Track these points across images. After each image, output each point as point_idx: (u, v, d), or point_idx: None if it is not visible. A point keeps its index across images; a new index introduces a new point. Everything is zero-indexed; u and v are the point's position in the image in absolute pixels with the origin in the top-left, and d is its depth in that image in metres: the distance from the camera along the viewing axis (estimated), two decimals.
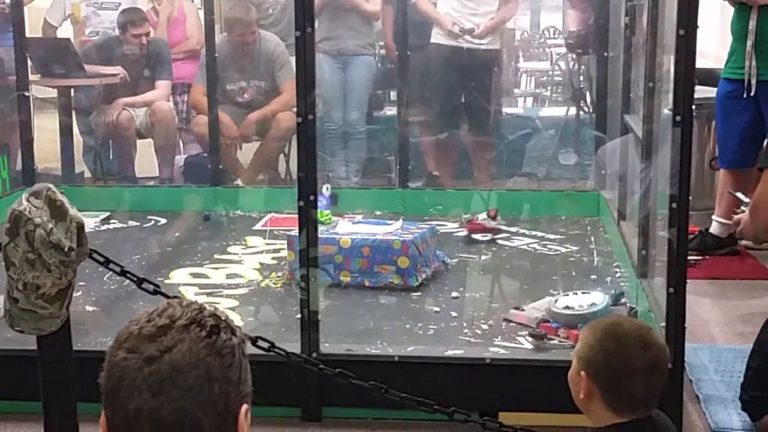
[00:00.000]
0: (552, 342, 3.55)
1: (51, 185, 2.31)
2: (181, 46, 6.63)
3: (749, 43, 4.74)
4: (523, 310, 3.84)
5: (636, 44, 4.65)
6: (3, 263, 2.28)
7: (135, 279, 2.55)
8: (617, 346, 2.11)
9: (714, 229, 5.11)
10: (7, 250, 2.25)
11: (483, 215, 5.27)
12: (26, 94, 5.78)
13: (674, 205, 3.12)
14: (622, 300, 3.88)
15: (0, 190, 5.70)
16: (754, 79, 4.75)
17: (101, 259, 2.48)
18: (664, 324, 3.19)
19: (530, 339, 3.58)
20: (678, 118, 3.06)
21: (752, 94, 4.77)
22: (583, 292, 3.83)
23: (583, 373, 2.12)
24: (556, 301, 3.71)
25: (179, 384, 1.25)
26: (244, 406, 1.31)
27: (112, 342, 1.31)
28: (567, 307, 3.63)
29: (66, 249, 2.24)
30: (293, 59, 3.31)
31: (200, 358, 1.27)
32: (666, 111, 3.53)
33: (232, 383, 1.29)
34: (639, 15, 4.52)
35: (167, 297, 2.59)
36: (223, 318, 1.34)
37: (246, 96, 6.27)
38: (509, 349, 3.53)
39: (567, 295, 3.80)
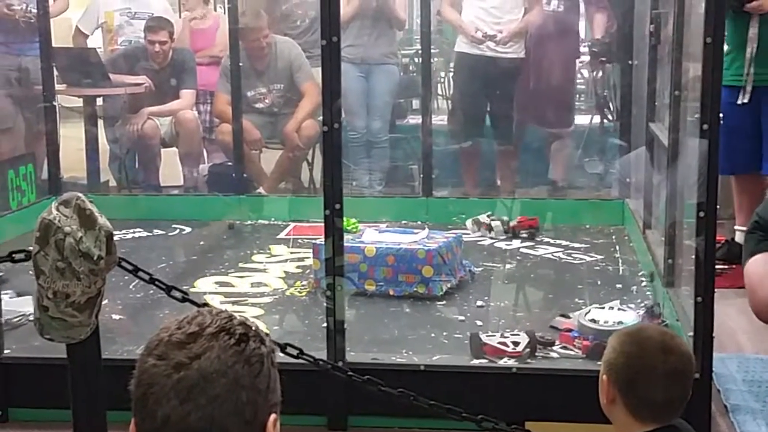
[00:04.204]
0: (556, 351, 3.54)
1: (80, 194, 2.33)
2: (204, 51, 6.66)
3: (749, 50, 4.76)
4: (568, 317, 3.82)
5: (661, 52, 4.63)
6: (33, 272, 2.30)
7: (164, 287, 2.56)
8: (637, 350, 2.12)
9: (739, 238, 5.08)
10: (37, 259, 2.27)
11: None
12: (53, 103, 5.83)
13: (701, 213, 3.11)
14: (657, 312, 3.85)
15: (27, 199, 5.74)
16: (749, 86, 4.78)
17: (130, 267, 2.49)
18: (691, 333, 3.17)
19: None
20: (705, 127, 3.06)
21: (746, 100, 4.79)
22: (618, 309, 3.80)
23: (604, 376, 2.14)
24: (587, 312, 3.69)
25: (207, 391, 1.25)
26: (273, 416, 1.31)
27: (142, 349, 1.31)
28: (593, 320, 3.61)
29: (95, 257, 2.25)
30: (318, 69, 3.32)
31: (229, 366, 1.27)
32: (692, 119, 3.52)
33: (260, 392, 1.29)
34: (664, 23, 4.51)
35: (196, 304, 2.60)
36: (252, 327, 1.34)
37: (267, 101, 6.30)
38: (536, 358, 3.52)
39: (602, 308, 3.78)
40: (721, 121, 3.53)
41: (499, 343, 3.47)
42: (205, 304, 2.62)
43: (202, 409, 1.25)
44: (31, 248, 2.31)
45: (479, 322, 3.95)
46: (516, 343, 3.46)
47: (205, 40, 6.73)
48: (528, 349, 3.44)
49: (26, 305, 3.71)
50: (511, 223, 5.35)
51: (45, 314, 2.29)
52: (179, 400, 1.25)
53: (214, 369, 1.26)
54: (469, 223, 5.40)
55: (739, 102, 4.80)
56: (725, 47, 4.85)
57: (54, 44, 6.01)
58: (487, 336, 3.53)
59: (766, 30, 4.76)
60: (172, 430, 1.25)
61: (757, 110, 4.84)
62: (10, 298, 3.99)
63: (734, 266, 4.98)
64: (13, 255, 2.50)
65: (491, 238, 5.28)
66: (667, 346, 2.12)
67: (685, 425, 2.15)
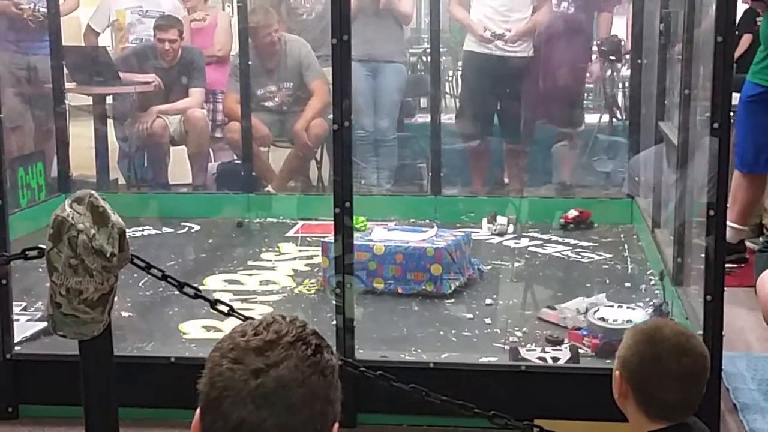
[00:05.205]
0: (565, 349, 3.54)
1: (93, 191, 2.34)
2: (204, 51, 6.65)
3: None
4: (554, 309, 3.84)
5: (671, 51, 4.63)
6: (46, 268, 2.31)
7: (176, 283, 2.57)
8: (652, 351, 2.08)
9: (729, 235, 5.04)
10: (50, 256, 2.28)
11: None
12: (65, 102, 5.84)
13: (711, 212, 3.11)
14: (665, 310, 3.85)
15: (36, 197, 5.76)
16: None
17: (142, 264, 2.50)
18: (701, 332, 3.17)
19: (547, 344, 3.60)
20: (716, 125, 3.06)
21: None
22: (627, 307, 3.81)
23: (617, 373, 2.12)
24: (596, 311, 3.70)
25: (284, 400, 1.26)
26: (336, 425, 1.32)
27: (213, 350, 1.31)
28: (602, 319, 3.62)
29: (108, 254, 2.26)
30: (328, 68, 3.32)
31: (306, 376, 1.28)
32: (702, 118, 3.52)
33: (332, 403, 1.30)
34: (674, 22, 4.51)
35: (208, 301, 2.62)
36: (322, 337, 1.35)
37: (277, 99, 6.30)
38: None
39: (611, 306, 3.79)
40: (741, 116, 3.47)
41: (539, 358, 3.47)
42: (217, 301, 2.63)
43: (278, 417, 1.25)
44: (44, 245, 2.32)
45: (488, 320, 3.96)
46: (555, 359, 3.47)
47: (204, 39, 6.74)
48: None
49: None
50: (570, 215, 5.43)
51: (58, 311, 2.30)
52: (256, 405, 1.25)
53: (292, 378, 1.27)
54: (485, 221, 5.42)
55: None
56: (761, 47, 4.84)
57: (63, 43, 6.03)
58: (527, 350, 3.53)
59: None
60: None
61: None
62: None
63: (743, 265, 4.98)
64: (26, 252, 2.51)
65: (498, 234, 5.30)
66: (682, 348, 2.08)
67: (699, 424, 2.14)
